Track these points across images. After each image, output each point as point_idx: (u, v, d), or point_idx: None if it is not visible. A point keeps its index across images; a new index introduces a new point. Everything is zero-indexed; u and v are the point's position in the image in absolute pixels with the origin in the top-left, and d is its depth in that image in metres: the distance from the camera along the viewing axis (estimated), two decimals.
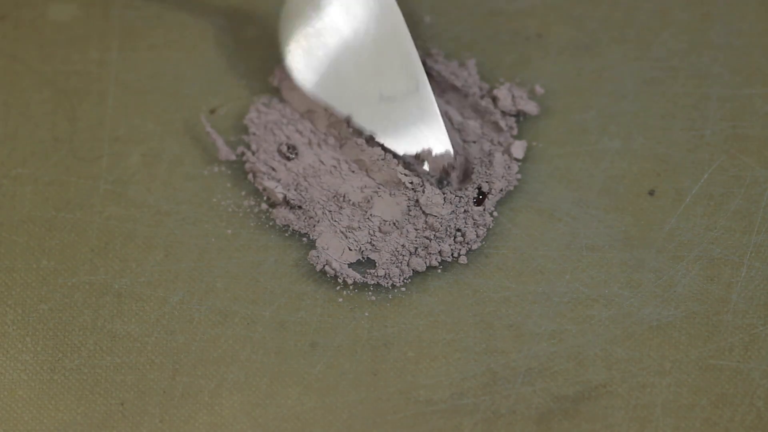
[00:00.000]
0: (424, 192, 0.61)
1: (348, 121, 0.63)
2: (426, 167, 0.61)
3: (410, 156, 0.62)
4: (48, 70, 0.68)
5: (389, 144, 0.62)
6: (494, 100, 0.65)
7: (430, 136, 0.62)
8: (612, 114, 0.65)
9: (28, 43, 0.69)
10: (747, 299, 0.59)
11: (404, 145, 0.62)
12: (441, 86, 0.66)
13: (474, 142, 0.64)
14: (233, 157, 0.64)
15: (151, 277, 0.61)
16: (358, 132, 0.63)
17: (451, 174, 0.61)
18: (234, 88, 0.67)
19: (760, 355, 0.58)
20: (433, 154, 0.61)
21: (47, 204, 0.64)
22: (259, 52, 0.68)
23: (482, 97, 0.65)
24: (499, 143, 0.64)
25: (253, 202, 0.63)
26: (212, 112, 0.66)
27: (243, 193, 0.64)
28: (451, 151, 0.61)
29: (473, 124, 0.64)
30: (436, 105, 0.62)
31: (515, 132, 0.64)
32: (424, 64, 0.63)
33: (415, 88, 0.62)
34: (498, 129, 0.64)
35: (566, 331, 0.59)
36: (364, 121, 0.63)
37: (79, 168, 0.65)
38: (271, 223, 0.63)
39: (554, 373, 0.58)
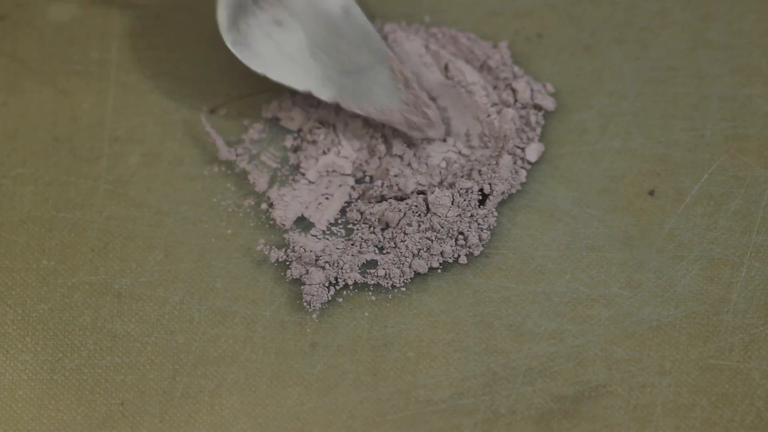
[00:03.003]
0: (432, 192, 0.61)
1: (309, 95, 0.63)
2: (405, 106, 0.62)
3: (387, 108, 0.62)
4: (48, 70, 0.68)
5: (355, 109, 0.62)
6: (514, 92, 0.65)
7: (396, 100, 0.62)
8: (612, 114, 0.65)
9: (28, 43, 0.69)
10: (747, 299, 0.59)
11: (373, 111, 0.62)
12: (474, 65, 0.66)
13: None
14: (233, 157, 0.64)
15: (151, 277, 0.61)
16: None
17: (429, 116, 0.61)
18: (234, 88, 0.67)
19: (760, 355, 0.58)
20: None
21: (47, 204, 0.64)
22: None
23: (513, 80, 0.65)
24: (528, 137, 0.64)
25: (253, 202, 0.63)
26: (212, 112, 0.66)
27: (243, 193, 0.64)
28: (425, 97, 0.61)
29: (511, 112, 0.64)
30: (400, 70, 0.62)
31: (539, 132, 0.64)
32: (385, 38, 0.64)
33: (380, 61, 0.63)
34: (527, 123, 0.64)
35: (566, 331, 0.59)
36: (326, 94, 0.63)
37: (79, 168, 0.65)
38: (271, 223, 0.63)
39: (554, 373, 0.58)
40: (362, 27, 0.64)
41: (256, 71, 0.63)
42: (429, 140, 0.63)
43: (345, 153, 0.64)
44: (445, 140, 0.63)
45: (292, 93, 0.66)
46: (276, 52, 0.63)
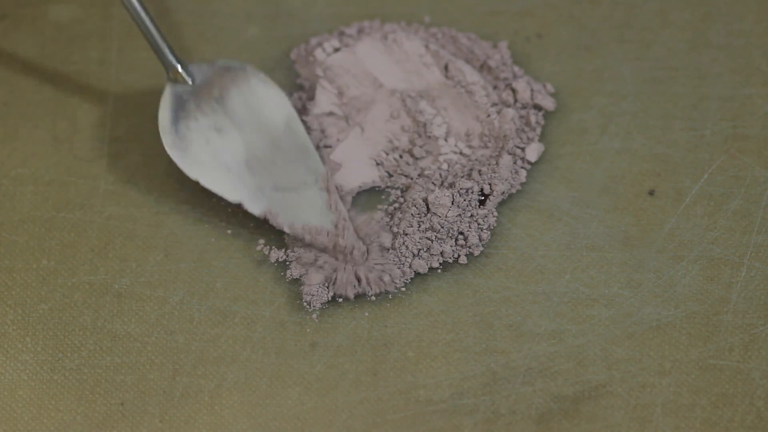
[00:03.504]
0: (432, 191, 0.61)
1: (239, 207, 0.62)
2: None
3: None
4: (48, 70, 0.68)
5: (281, 224, 0.61)
6: (513, 92, 0.65)
7: (326, 222, 0.61)
8: (612, 114, 0.65)
9: (28, 43, 0.69)
10: (747, 299, 0.59)
11: (300, 231, 0.61)
12: (474, 65, 0.66)
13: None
14: None
15: (151, 277, 0.61)
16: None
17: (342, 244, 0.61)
18: None
19: (760, 355, 0.58)
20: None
21: (47, 204, 0.64)
22: (259, 52, 0.68)
23: (513, 80, 0.65)
24: (528, 137, 0.64)
25: None
26: None
27: None
28: (351, 229, 0.61)
29: (511, 112, 0.64)
30: (334, 196, 0.61)
31: (539, 132, 0.64)
32: (322, 158, 0.63)
33: (314, 180, 0.62)
34: (527, 123, 0.64)
35: (566, 331, 0.59)
36: (257, 208, 0.62)
37: (79, 168, 0.65)
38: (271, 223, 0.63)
39: (554, 373, 0.58)
40: (302, 143, 0.63)
41: (189, 176, 0.62)
42: (350, 263, 0.62)
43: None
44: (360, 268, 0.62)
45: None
46: (212, 159, 0.62)
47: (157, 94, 0.66)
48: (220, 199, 0.63)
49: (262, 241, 0.62)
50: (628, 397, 0.57)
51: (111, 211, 0.63)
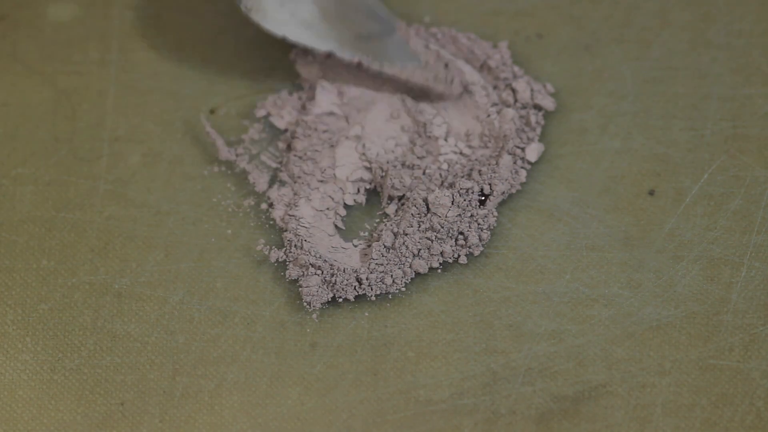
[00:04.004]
0: (433, 191, 0.61)
1: (330, 55, 0.64)
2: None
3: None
4: (48, 70, 0.68)
5: (377, 67, 0.63)
6: (513, 92, 0.65)
7: (416, 62, 0.63)
8: (612, 114, 0.65)
9: (28, 43, 0.69)
10: (747, 299, 0.59)
11: (395, 71, 0.63)
12: (473, 65, 0.66)
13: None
14: (233, 157, 0.64)
15: (151, 277, 0.61)
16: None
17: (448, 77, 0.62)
18: (234, 88, 0.67)
19: (760, 355, 0.58)
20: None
21: (47, 204, 0.64)
22: (259, 52, 0.68)
23: (513, 80, 0.65)
24: (528, 137, 0.64)
25: (253, 202, 0.63)
26: (212, 112, 0.66)
27: (243, 193, 0.64)
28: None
29: (511, 112, 0.64)
30: (411, 45, 0.63)
31: (539, 132, 0.64)
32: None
33: (393, 29, 0.63)
34: (527, 123, 0.64)
35: (566, 331, 0.59)
36: (348, 55, 0.63)
37: (79, 168, 0.65)
38: (271, 223, 0.63)
39: (554, 373, 0.58)
40: (369, 2, 0.64)
41: (275, 34, 0.63)
42: (446, 98, 0.63)
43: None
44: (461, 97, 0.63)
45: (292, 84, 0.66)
46: (291, 17, 0.64)
47: (158, 94, 0.66)
48: (220, 199, 0.63)
49: (262, 241, 0.62)
50: (628, 397, 0.57)
51: (111, 211, 0.63)
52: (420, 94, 0.64)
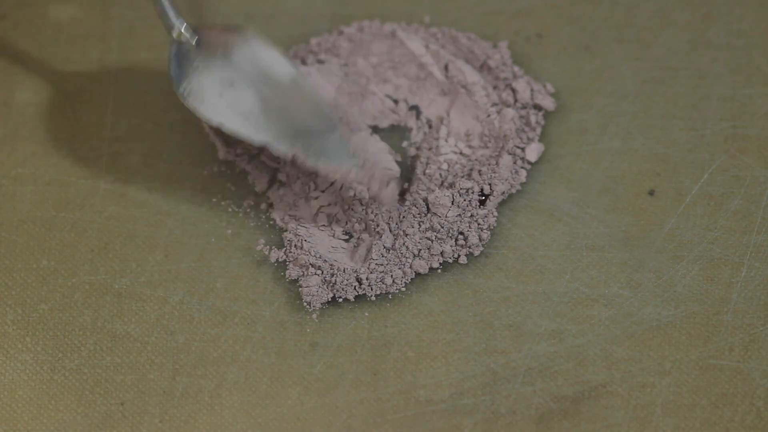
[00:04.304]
0: (433, 191, 0.61)
1: (264, 149, 0.62)
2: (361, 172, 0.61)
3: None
4: (48, 70, 0.68)
5: (311, 164, 0.61)
6: (514, 92, 0.65)
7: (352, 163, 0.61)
8: (612, 114, 0.65)
9: (28, 43, 0.69)
10: (747, 299, 0.59)
11: (330, 169, 0.61)
12: (473, 65, 0.66)
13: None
14: (233, 157, 0.64)
15: (151, 277, 0.61)
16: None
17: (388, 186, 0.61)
18: None
19: (760, 355, 0.58)
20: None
21: (47, 204, 0.64)
22: None
23: (513, 80, 0.65)
24: (528, 137, 0.64)
25: (253, 202, 0.63)
26: None
27: (243, 193, 0.64)
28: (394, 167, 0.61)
29: (511, 112, 0.64)
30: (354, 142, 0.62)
31: (539, 132, 0.64)
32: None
33: (333, 127, 0.61)
34: (527, 123, 0.64)
35: (566, 331, 0.59)
36: (283, 149, 0.61)
37: (79, 168, 0.65)
38: (271, 223, 0.63)
39: (554, 373, 0.58)
40: (312, 96, 0.62)
41: (211, 121, 0.61)
42: (382, 201, 0.62)
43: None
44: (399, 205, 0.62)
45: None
46: (229, 108, 0.62)
47: (158, 94, 0.66)
48: (220, 199, 0.63)
49: (262, 241, 0.62)
50: (628, 397, 0.57)
51: (111, 211, 0.63)
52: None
